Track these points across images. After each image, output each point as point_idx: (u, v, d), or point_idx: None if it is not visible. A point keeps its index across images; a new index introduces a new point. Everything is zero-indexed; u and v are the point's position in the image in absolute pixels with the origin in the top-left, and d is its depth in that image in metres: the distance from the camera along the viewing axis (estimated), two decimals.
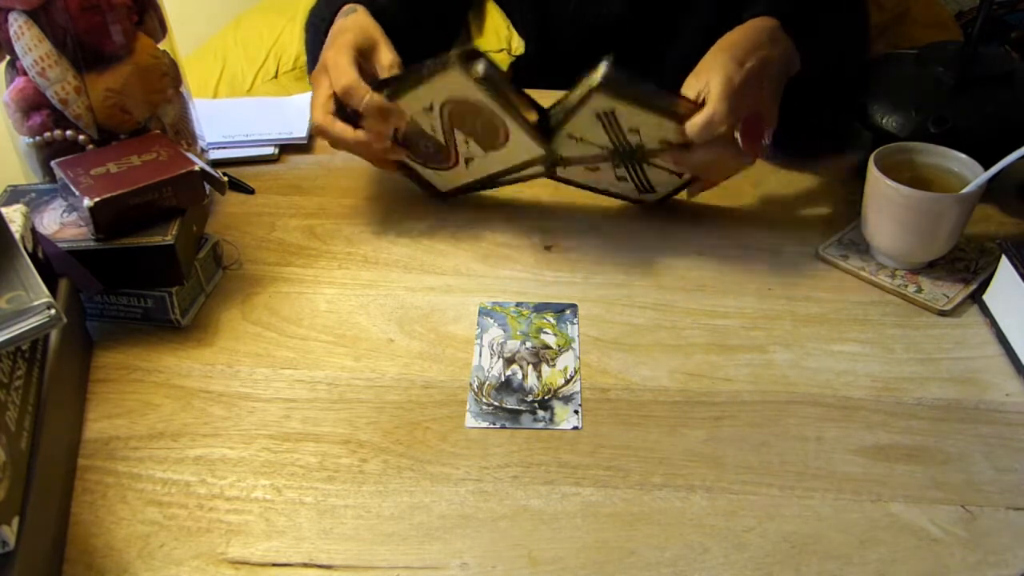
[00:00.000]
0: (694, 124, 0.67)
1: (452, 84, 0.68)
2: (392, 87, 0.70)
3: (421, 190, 0.81)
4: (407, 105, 0.71)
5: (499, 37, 1.05)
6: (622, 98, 0.66)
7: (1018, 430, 0.58)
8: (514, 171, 0.77)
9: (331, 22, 0.79)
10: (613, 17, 0.93)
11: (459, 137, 0.74)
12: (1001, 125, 0.75)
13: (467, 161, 0.76)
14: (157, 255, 0.63)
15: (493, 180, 0.79)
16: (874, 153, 0.70)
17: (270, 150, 0.89)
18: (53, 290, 0.58)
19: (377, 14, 0.78)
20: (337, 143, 0.72)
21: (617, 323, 0.67)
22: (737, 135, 0.69)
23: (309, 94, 0.98)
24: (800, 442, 0.57)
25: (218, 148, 0.89)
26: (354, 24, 0.75)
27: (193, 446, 0.57)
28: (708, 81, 0.68)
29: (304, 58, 1.15)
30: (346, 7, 0.79)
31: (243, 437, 0.58)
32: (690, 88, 0.69)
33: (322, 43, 0.79)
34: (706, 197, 0.82)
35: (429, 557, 0.50)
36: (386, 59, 0.72)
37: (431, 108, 0.71)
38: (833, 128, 0.89)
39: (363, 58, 0.72)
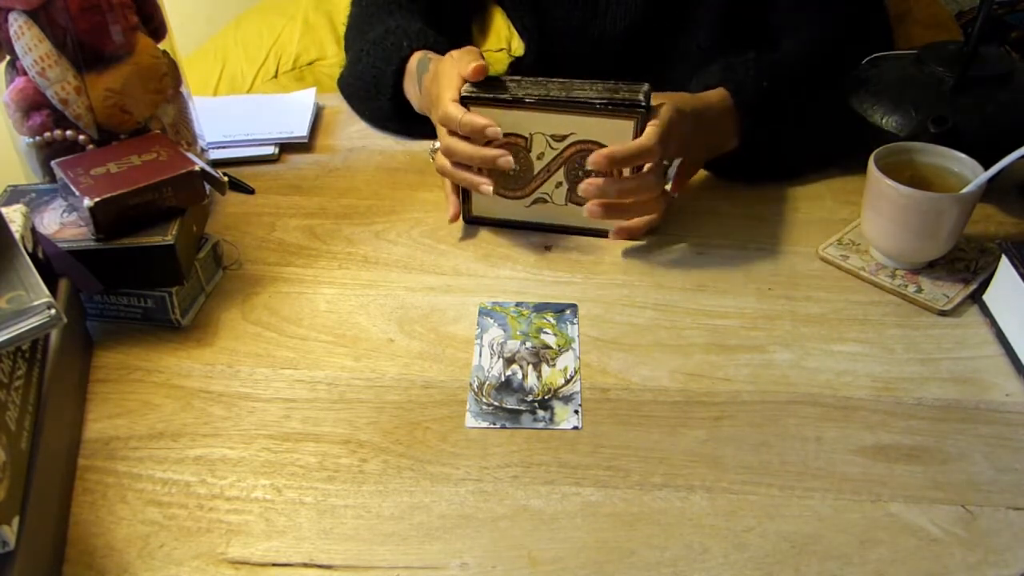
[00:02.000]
0: (627, 146, 0.68)
1: (615, 131, 0.69)
2: (539, 99, 0.70)
3: (457, 201, 0.79)
4: (541, 124, 0.71)
5: (499, 37, 1.04)
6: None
7: (1018, 430, 0.58)
8: (579, 231, 0.77)
9: (398, 75, 0.84)
10: (615, 34, 0.93)
11: (557, 176, 0.74)
12: (1001, 125, 0.75)
13: (536, 200, 0.76)
14: (157, 255, 0.63)
15: (543, 227, 0.77)
16: (874, 153, 0.70)
17: (270, 150, 0.89)
18: (53, 290, 0.58)
19: (433, 46, 0.83)
20: (464, 127, 0.71)
21: (617, 323, 0.67)
22: (671, 171, 0.71)
23: (310, 90, 0.99)
24: (800, 442, 0.57)
25: (218, 148, 0.89)
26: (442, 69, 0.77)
27: (193, 446, 0.57)
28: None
29: (304, 57, 1.15)
30: (416, 61, 0.82)
31: (243, 437, 0.58)
32: None
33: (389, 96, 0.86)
34: (706, 197, 0.82)
35: (429, 557, 0.50)
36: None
37: (563, 139, 0.71)
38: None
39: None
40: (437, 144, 0.75)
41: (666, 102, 0.71)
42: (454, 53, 0.76)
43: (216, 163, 0.86)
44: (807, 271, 0.73)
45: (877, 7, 0.94)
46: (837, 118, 0.83)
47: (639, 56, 0.94)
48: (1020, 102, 0.77)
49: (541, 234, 0.77)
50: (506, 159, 0.70)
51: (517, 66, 1.00)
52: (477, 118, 0.70)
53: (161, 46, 0.74)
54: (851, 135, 0.83)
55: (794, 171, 0.84)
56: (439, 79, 0.75)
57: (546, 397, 0.61)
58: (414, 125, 0.88)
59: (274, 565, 0.50)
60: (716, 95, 0.78)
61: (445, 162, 0.74)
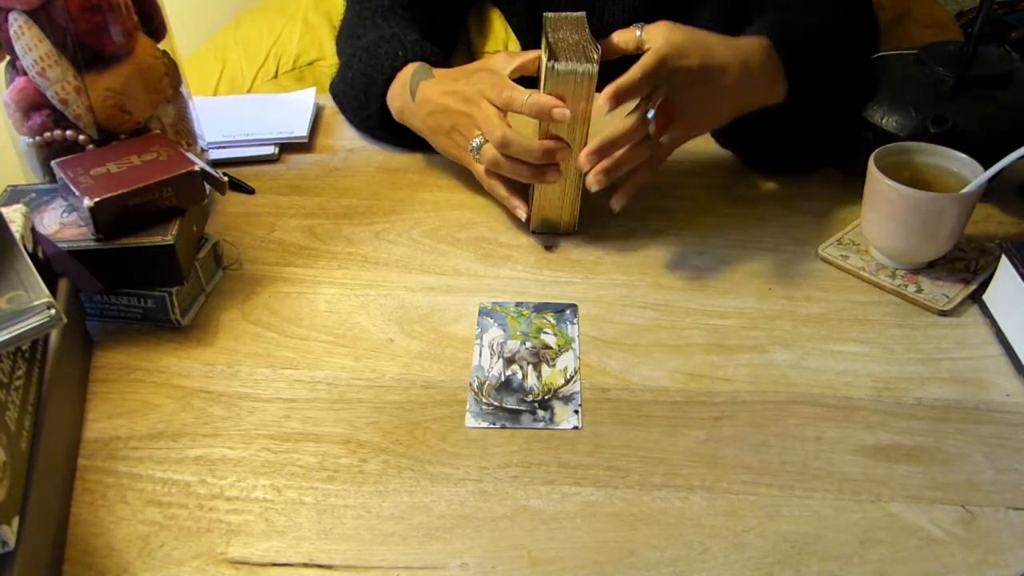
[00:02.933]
0: (610, 88, 0.67)
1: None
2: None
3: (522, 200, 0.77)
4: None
5: (496, 39, 1.05)
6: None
7: (1018, 430, 0.58)
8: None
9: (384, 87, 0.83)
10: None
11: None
12: (1001, 125, 0.75)
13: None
14: (157, 255, 0.63)
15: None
16: (874, 153, 0.70)
17: (270, 150, 0.89)
18: (53, 290, 0.58)
19: (430, 58, 0.82)
20: (522, 152, 0.70)
21: (617, 323, 0.67)
22: (651, 112, 0.69)
23: (310, 90, 0.99)
24: (800, 442, 0.57)
25: (218, 148, 0.89)
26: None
27: (193, 446, 0.57)
28: (645, 43, 0.70)
29: (304, 57, 1.15)
30: (412, 69, 0.81)
31: (243, 437, 0.58)
32: (624, 36, 0.72)
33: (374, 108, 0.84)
34: (706, 197, 0.82)
35: (429, 557, 0.50)
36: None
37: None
38: (836, 148, 0.87)
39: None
40: (479, 140, 0.73)
41: (664, 32, 0.70)
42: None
43: (216, 163, 0.86)
44: (807, 271, 0.73)
45: (869, 6, 0.93)
46: (855, 99, 0.82)
47: (638, 57, 0.94)
48: (1020, 102, 0.77)
49: (541, 234, 0.77)
50: (565, 151, 0.69)
51: None
52: (546, 96, 0.68)
53: (161, 46, 0.74)
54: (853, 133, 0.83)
55: (818, 152, 0.82)
56: (478, 75, 0.74)
57: (546, 397, 0.61)
58: (402, 136, 0.86)
59: (274, 565, 0.50)
60: (750, 40, 0.74)
61: (498, 156, 0.71)
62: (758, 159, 0.84)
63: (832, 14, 0.85)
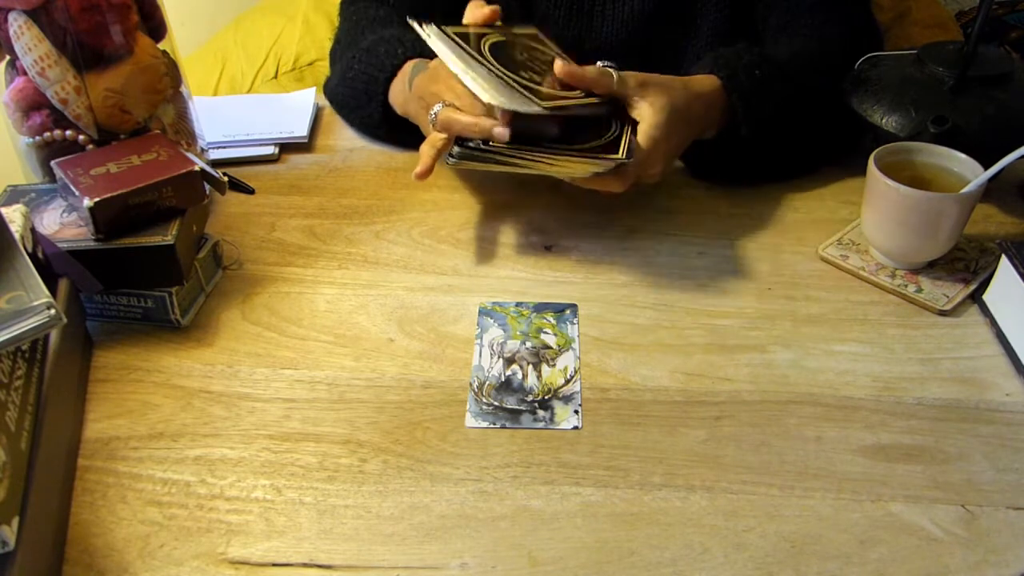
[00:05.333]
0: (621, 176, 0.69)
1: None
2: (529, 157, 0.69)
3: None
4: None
5: None
6: None
7: (1018, 430, 0.58)
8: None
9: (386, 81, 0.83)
10: (613, 46, 0.92)
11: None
12: (1001, 125, 0.75)
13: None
14: (157, 255, 0.63)
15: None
16: (874, 153, 0.70)
17: (270, 150, 0.89)
18: (53, 290, 0.58)
19: (426, 54, 0.80)
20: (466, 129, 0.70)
21: (617, 323, 0.67)
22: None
23: (310, 90, 0.99)
24: (800, 442, 0.57)
25: (218, 148, 0.89)
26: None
27: (193, 446, 0.57)
28: (646, 117, 0.71)
29: (304, 58, 1.16)
30: (411, 64, 0.81)
31: (243, 437, 0.58)
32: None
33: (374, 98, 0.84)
34: (706, 197, 0.82)
35: (429, 557, 0.50)
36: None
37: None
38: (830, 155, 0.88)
39: None
40: (453, 154, 0.72)
41: (656, 108, 0.71)
42: None
43: (216, 163, 0.86)
44: (807, 271, 0.73)
45: (870, 13, 0.94)
46: (830, 122, 0.83)
47: (638, 68, 0.94)
48: (1020, 102, 0.77)
49: (541, 234, 0.77)
50: (502, 131, 0.68)
51: None
52: (484, 121, 0.69)
53: (161, 46, 0.74)
54: (844, 141, 0.83)
55: (775, 174, 0.83)
56: (441, 78, 0.74)
57: (546, 397, 0.61)
58: (402, 133, 0.86)
59: (274, 565, 0.50)
60: (707, 81, 0.77)
61: (450, 117, 0.71)
62: (732, 183, 0.84)
63: (822, 32, 0.86)
